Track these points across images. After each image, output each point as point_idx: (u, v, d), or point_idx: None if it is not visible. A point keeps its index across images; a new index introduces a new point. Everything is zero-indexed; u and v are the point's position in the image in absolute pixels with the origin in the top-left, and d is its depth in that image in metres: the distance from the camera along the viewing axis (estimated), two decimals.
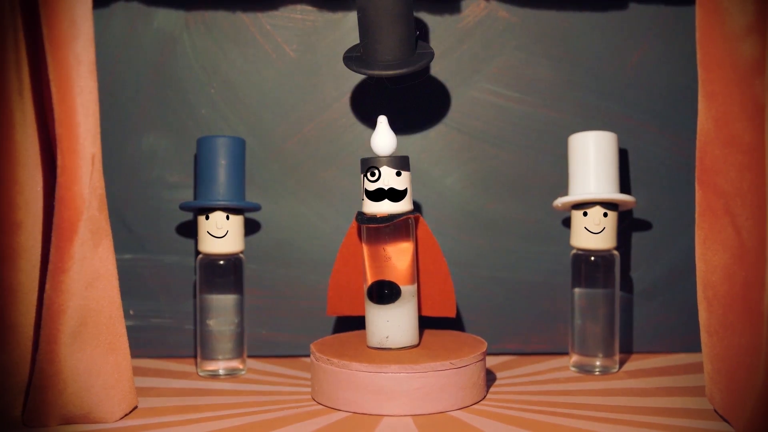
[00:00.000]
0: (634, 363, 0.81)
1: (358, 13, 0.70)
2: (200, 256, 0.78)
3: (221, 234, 0.76)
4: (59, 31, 0.62)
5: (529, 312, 0.84)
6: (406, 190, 0.70)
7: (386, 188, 0.70)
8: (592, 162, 0.76)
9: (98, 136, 0.64)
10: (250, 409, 0.69)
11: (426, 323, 0.78)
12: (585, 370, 0.78)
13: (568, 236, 0.83)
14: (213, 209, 0.76)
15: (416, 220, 0.73)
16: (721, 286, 0.64)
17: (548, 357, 0.84)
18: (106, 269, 0.65)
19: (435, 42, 0.83)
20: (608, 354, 0.78)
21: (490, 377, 0.77)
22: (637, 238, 0.84)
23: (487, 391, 0.73)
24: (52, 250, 0.63)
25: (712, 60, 0.63)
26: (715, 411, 0.66)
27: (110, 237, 0.66)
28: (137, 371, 0.80)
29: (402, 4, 0.69)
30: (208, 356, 0.78)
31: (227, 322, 0.78)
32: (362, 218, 0.70)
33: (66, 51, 0.62)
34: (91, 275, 0.64)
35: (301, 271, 0.84)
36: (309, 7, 0.83)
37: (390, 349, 0.71)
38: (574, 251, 0.79)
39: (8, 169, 0.64)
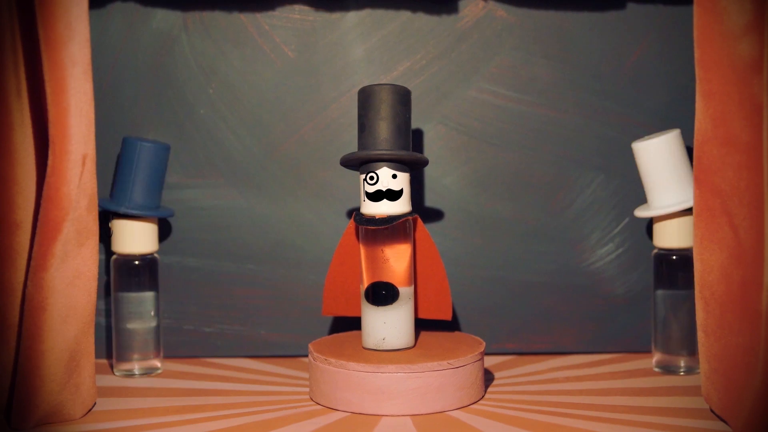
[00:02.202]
0: (632, 362, 0.81)
1: (359, 110, 0.71)
2: (114, 256, 0.78)
3: (130, 237, 0.77)
4: (55, 33, 0.62)
5: (528, 312, 0.84)
6: (402, 190, 0.70)
7: (384, 189, 0.70)
8: (668, 170, 0.75)
9: (92, 137, 0.64)
10: (247, 409, 0.69)
11: (423, 324, 0.78)
12: (669, 370, 0.78)
13: (567, 235, 0.83)
14: (123, 216, 0.77)
15: (414, 221, 0.73)
16: (719, 285, 0.63)
17: (547, 357, 0.84)
18: (89, 269, 0.66)
19: (433, 42, 0.83)
20: (692, 353, 0.77)
21: (488, 377, 0.77)
22: (635, 236, 0.84)
23: (486, 391, 0.73)
24: (35, 248, 0.63)
25: (710, 59, 0.63)
26: (712, 410, 0.66)
27: (97, 237, 0.66)
28: None
29: (393, 102, 0.70)
30: (124, 356, 0.78)
31: (143, 321, 0.78)
32: (360, 219, 0.70)
33: (61, 52, 0.62)
34: (73, 273, 0.65)
35: (300, 271, 0.84)
36: (307, 8, 0.83)
37: (386, 350, 0.71)
38: (655, 251, 0.78)
39: (8, 170, 0.64)
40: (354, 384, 0.67)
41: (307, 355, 0.82)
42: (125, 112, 0.83)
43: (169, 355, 0.84)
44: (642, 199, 0.83)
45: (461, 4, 0.83)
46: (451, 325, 0.83)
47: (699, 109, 0.64)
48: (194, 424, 0.65)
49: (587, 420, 0.65)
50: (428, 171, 0.84)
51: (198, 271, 0.84)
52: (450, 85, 0.83)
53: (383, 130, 0.70)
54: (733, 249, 0.62)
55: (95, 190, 0.66)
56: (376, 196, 0.70)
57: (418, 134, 0.83)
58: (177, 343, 0.84)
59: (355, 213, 0.71)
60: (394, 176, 0.70)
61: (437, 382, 0.67)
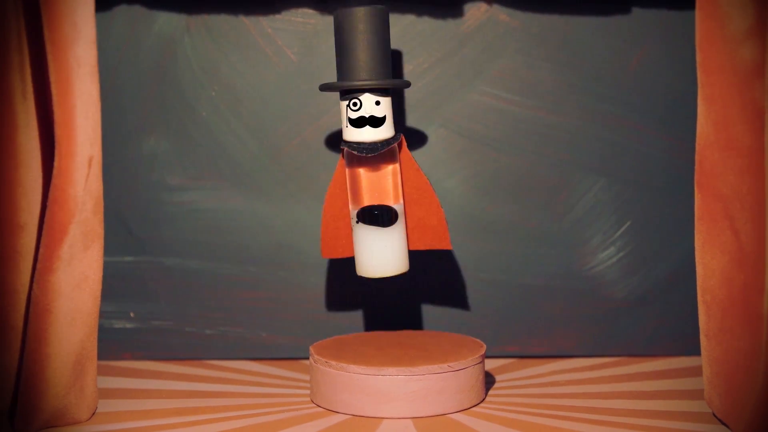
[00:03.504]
0: (634, 366, 0.81)
1: (335, 35, 0.70)
2: None
3: None
4: (60, 34, 0.62)
5: (529, 315, 0.84)
6: (385, 117, 0.70)
7: (367, 116, 0.70)
8: None
9: (98, 139, 0.65)
10: (249, 411, 0.69)
11: (427, 323, 0.78)
12: None
13: (568, 239, 0.84)
14: None
15: (399, 144, 0.72)
16: (720, 290, 0.64)
17: (548, 360, 0.84)
18: (94, 272, 0.66)
19: (436, 45, 0.83)
20: None
21: (489, 380, 0.77)
22: (636, 240, 0.84)
23: (486, 394, 0.73)
24: (41, 250, 0.63)
25: (712, 63, 0.63)
26: (714, 414, 0.66)
27: (102, 240, 0.66)
28: (138, 373, 0.80)
29: (375, 24, 0.69)
30: None
31: None
32: (350, 145, 0.70)
33: (67, 53, 0.62)
34: (79, 276, 0.65)
35: (301, 273, 0.84)
36: (310, 11, 0.83)
37: (384, 277, 0.70)
38: None
39: (12, 171, 0.64)
40: (355, 386, 0.67)
41: (308, 358, 0.82)
42: (127, 114, 0.83)
43: (171, 357, 0.84)
44: (644, 202, 0.84)
45: (464, 8, 0.83)
46: (452, 327, 0.83)
47: (701, 113, 0.64)
48: (196, 426, 0.65)
49: (588, 423, 0.66)
50: (430, 174, 0.84)
51: (199, 274, 0.84)
52: (452, 88, 0.83)
53: (363, 55, 0.68)
54: (734, 253, 0.62)
55: (101, 192, 0.66)
56: (359, 123, 0.70)
57: (420, 136, 0.83)
58: (178, 345, 0.84)
59: (342, 141, 0.71)
60: (377, 103, 0.69)
61: (438, 384, 0.67)
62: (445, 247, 0.73)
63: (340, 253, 0.75)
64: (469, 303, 0.84)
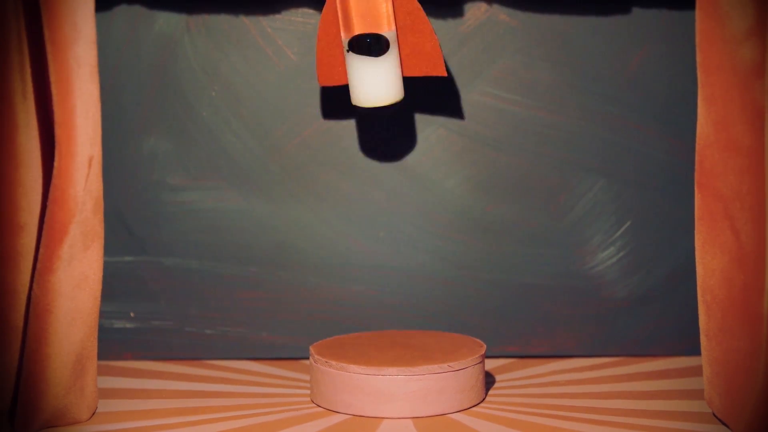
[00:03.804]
0: (634, 366, 0.81)
1: None
2: None
3: None
4: (61, 34, 0.62)
5: (529, 315, 0.84)
6: None
7: None
8: None
9: (98, 139, 0.65)
10: (249, 411, 0.69)
11: (427, 324, 0.79)
12: None
13: (568, 239, 0.84)
14: None
15: None
16: (720, 290, 0.64)
17: (548, 360, 0.84)
18: (94, 272, 0.66)
19: None
20: None
21: (489, 380, 0.77)
22: (637, 240, 0.84)
23: (487, 394, 0.73)
24: (42, 251, 0.63)
25: (712, 63, 0.63)
26: (714, 414, 0.66)
27: (102, 240, 0.66)
28: (138, 373, 0.80)
29: None
30: None
31: None
32: None
33: (67, 53, 0.62)
34: (79, 277, 0.65)
35: (301, 273, 0.84)
36: (310, 11, 0.83)
37: (378, 107, 0.70)
38: None
39: (11, 171, 0.65)
40: (355, 386, 0.67)
41: (308, 358, 0.82)
42: (128, 114, 0.83)
43: (171, 357, 0.84)
44: (644, 202, 0.84)
45: (464, 8, 0.83)
46: (452, 328, 0.83)
47: (701, 113, 0.64)
48: (196, 426, 0.65)
49: (588, 423, 0.66)
50: (430, 174, 0.84)
51: (199, 273, 0.84)
52: (452, 88, 0.83)
53: None
54: (734, 253, 0.63)
55: (101, 192, 0.66)
56: None
57: (420, 137, 0.83)
58: (178, 345, 0.84)
59: None
60: None
61: (438, 384, 0.67)
62: (440, 74, 0.72)
63: (337, 81, 0.74)
64: (469, 303, 0.84)
